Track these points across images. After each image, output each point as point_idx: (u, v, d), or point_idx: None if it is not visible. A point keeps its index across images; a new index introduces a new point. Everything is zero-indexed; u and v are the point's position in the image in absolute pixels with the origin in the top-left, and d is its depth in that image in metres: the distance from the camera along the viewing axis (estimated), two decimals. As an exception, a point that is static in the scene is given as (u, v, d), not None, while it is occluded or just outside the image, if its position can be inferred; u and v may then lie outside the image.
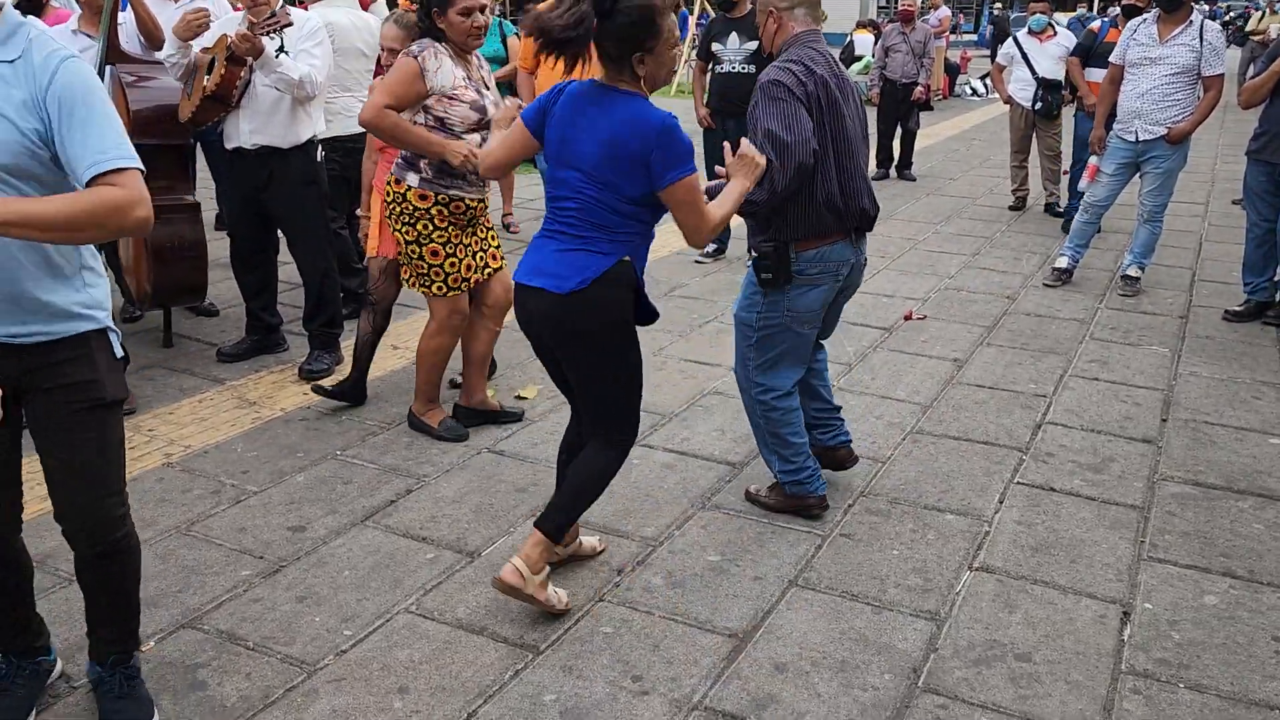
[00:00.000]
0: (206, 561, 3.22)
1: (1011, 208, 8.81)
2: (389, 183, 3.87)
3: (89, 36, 4.83)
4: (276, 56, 4.31)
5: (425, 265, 3.89)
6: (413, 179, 3.80)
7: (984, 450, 4.06)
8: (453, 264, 3.89)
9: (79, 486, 2.30)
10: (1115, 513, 3.58)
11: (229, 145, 4.67)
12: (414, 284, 4.01)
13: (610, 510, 3.53)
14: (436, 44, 3.74)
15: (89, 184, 2.05)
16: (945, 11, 17.43)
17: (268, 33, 4.22)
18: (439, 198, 3.81)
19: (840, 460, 3.70)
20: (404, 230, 3.86)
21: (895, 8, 10.15)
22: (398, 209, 3.84)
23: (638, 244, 2.81)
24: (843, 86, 3.25)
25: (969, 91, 18.76)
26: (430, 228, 3.83)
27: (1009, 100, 8.55)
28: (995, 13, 16.42)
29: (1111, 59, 6.15)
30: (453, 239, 3.87)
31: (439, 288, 3.91)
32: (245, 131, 4.55)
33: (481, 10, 3.74)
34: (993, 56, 9.73)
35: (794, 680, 2.68)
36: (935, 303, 6.06)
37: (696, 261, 6.88)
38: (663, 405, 4.48)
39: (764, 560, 3.26)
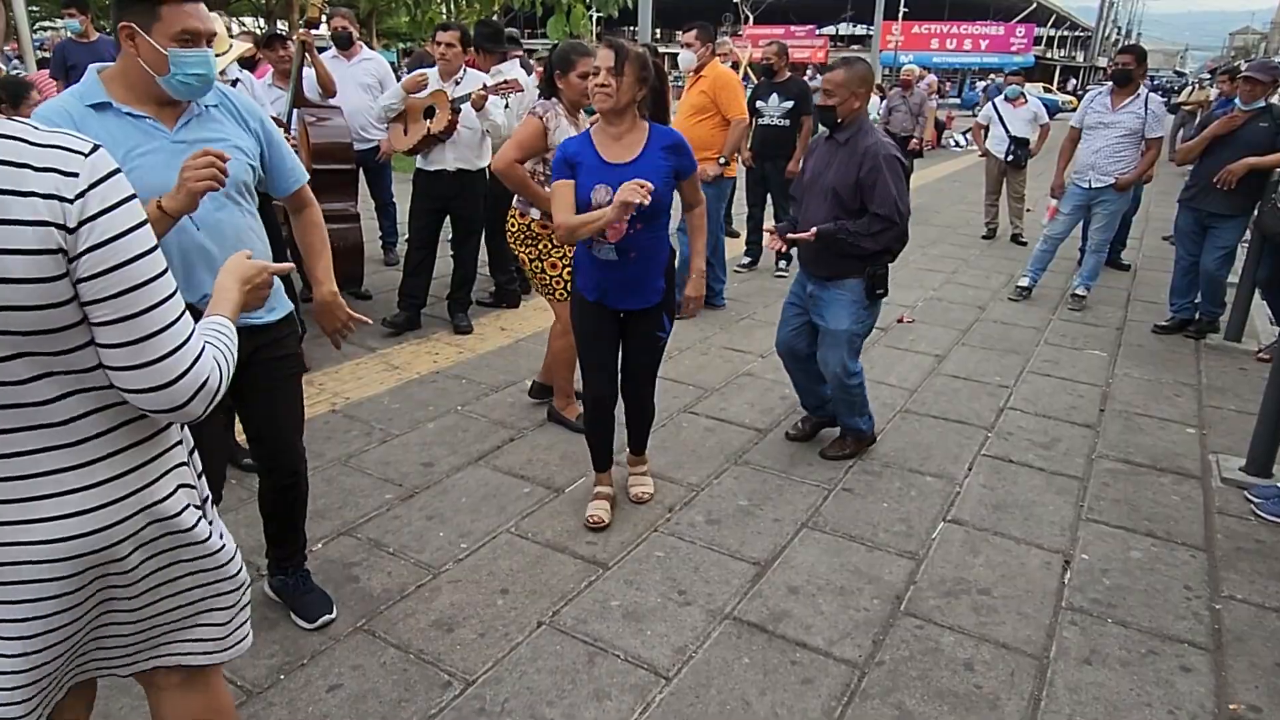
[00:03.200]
0: (359, 486, 3.29)
1: (984, 237, 8.58)
2: (513, 214, 3.77)
3: (280, 88, 4.94)
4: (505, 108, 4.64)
5: (547, 277, 3.75)
6: (535, 213, 3.70)
7: (957, 428, 3.99)
8: (569, 273, 3.75)
9: (283, 430, 2.32)
10: (1061, 481, 3.50)
11: (430, 168, 4.75)
12: (541, 292, 3.85)
13: (665, 462, 3.53)
14: (556, 104, 3.56)
15: (290, 192, 2.24)
16: (932, 78, 17.33)
17: (503, 94, 4.52)
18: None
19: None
20: (527, 250, 3.74)
21: (897, 76, 9.92)
22: (522, 235, 3.74)
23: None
24: None
25: (953, 144, 18.32)
26: (549, 246, 3.72)
27: (985, 152, 8.34)
28: (997, 82, 16.10)
29: (1071, 123, 5.96)
30: (567, 254, 3.72)
31: (560, 294, 3.77)
32: (450, 158, 4.72)
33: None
34: (975, 116, 9.47)
35: (803, 600, 2.67)
36: (922, 310, 5.94)
37: (735, 270, 6.81)
38: (706, 382, 4.46)
39: (782, 506, 3.24)
